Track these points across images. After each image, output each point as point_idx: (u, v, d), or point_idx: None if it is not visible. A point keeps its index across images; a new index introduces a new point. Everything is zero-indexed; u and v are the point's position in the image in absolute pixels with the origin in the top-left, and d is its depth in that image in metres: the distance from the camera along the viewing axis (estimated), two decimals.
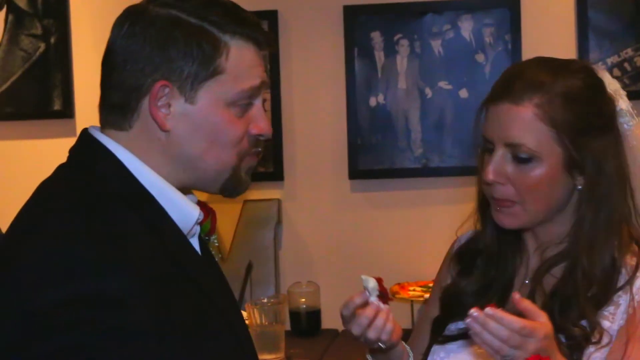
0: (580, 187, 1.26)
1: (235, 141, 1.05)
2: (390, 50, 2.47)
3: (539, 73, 1.26)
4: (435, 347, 1.40)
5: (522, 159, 1.23)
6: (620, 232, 1.27)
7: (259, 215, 2.54)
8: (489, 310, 1.07)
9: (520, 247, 1.39)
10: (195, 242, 1.11)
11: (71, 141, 1.08)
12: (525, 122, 1.22)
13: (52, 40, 2.61)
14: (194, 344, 0.99)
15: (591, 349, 1.20)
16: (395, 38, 2.49)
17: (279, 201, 2.57)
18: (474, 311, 1.09)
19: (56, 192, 1.02)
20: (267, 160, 2.49)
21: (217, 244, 1.35)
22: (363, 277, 1.33)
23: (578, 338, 1.20)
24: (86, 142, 1.04)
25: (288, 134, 2.57)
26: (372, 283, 1.31)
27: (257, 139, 1.08)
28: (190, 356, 0.98)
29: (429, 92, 2.50)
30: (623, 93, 1.30)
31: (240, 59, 1.03)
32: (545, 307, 1.24)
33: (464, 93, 2.49)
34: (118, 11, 0.99)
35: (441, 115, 2.51)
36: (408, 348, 1.42)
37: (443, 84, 2.50)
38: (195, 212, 1.06)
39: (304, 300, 2.32)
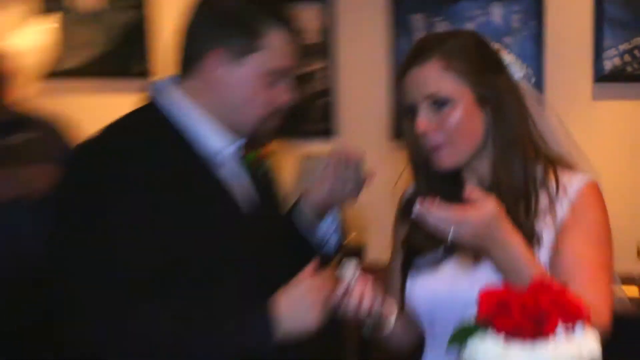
0: (488, 120, 1.47)
1: (259, 103, 1.39)
2: (430, 31, 2.87)
3: (435, 39, 1.49)
4: (409, 279, 1.56)
5: (441, 103, 1.41)
6: (525, 148, 1.46)
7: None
8: (426, 203, 1.25)
9: (458, 190, 1.49)
10: (234, 168, 1.44)
11: None
12: (434, 75, 1.41)
13: (144, 11, 3.20)
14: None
15: (536, 249, 1.38)
16: (434, 20, 2.89)
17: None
18: (418, 205, 1.28)
19: (121, 119, 1.42)
20: (323, 119, 2.98)
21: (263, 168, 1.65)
22: (343, 266, 1.50)
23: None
24: (151, 89, 1.44)
25: (342, 97, 3.04)
26: (349, 266, 1.48)
27: (279, 107, 1.41)
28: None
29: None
30: (505, 52, 1.52)
31: (275, 45, 1.37)
32: None
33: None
34: None
35: None
36: (390, 308, 1.58)
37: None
38: (215, 145, 1.39)
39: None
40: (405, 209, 1.58)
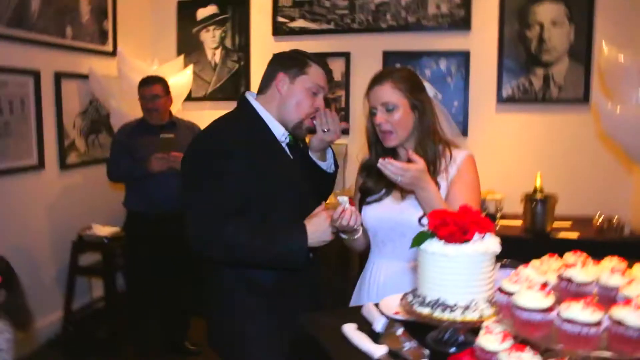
0: (416, 119, 1.90)
1: (305, 106, 1.91)
2: None
3: (388, 70, 1.96)
4: (363, 208, 2.01)
5: (389, 109, 1.86)
6: (434, 135, 1.90)
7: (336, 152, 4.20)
8: (387, 159, 1.71)
9: (393, 158, 1.86)
10: (286, 147, 1.95)
11: None
12: (387, 91, 1.87)
13: (242, 63, 4.79)
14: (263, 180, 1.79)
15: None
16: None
17: (346, 145, 4.26)
18: (381, 160, 1.71)
19: (224, 115, 1.94)
20: None
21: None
22: (339, 197, 1.84)
23: None
24: (243, 99, 1.98)
25: (352, 112, 4.48)
26: (344, 198, 1.83)
27: (315, 110, 1.93)
28: (258, 180, 1.78)
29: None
30: (426, 83, 1.99)
31: (315, 73, 1.92)
32: None
33: (439, 96, 4.21)
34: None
35: None
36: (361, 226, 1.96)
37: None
38: (280, 132, 1.92)
39: None
40: (362, 169, 2.07)
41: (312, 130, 2.03)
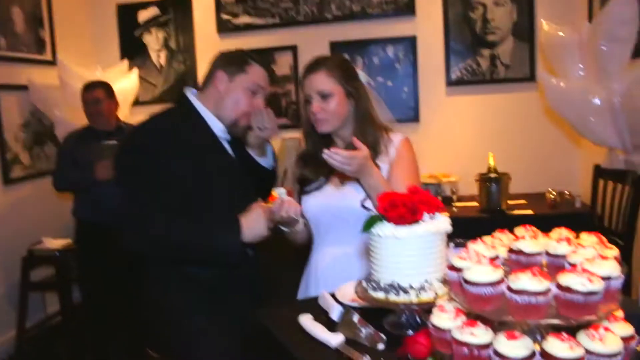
0: (352, 106, 1.94)
1: (242, 105, 1.89)
2: (353, 63, 3.96)
3: (321, 58, 1.94)
4: (303, 198, 2.02)
5: (324, 96, 1.88)
6: (372, 121, 1.94)
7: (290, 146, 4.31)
8: (332, 150, 1.70)
9: (329, 146, 1.84)
10: (225, 143, 1.93)
11: None
12: (322, 79, 1.88)
13: (188, 63, 4.70)
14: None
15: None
16: (356, 57, 4.41)
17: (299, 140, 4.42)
18: (325, 150, 1.71)
19: (161, 112, 1.91)
20: (293, 118, 4.43)
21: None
22: (276, 190, 1.91)
23: None
24: (182, 95, 1.95)
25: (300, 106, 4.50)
26: (281, 190, 1.88)
27: (253, 111, 1.92)
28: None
29: (372, 82, 4.08)
30: (360, 70, 2.01)
31: (255, 70, 1.91)
32: None
33: (389, 83, 4.41)
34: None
35: (378, 94, 4.41)
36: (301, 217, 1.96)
37: (380, 79, 4.42)
38: (219, 128, 1.90)
39: None
40: (299, 159, 2.09)
41: (250, 128, 2.02)
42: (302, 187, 2.03)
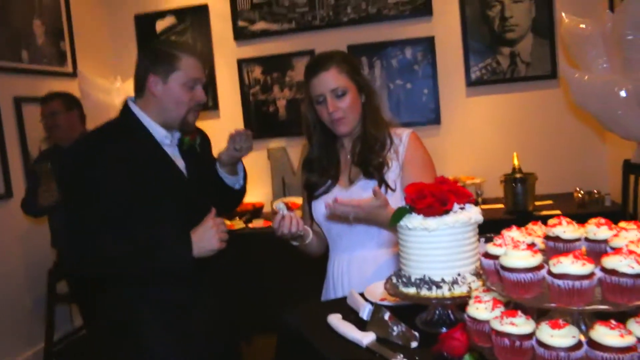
0: (363, 100, 1.89)
1: (184, 102, 1.80)
2: (371, 66, 4.38)
3: (328, 55, 1.88)
4: (312, 204, 1.97)
5: (340, 94, 1.82)
6: (382, 115, 1.92)
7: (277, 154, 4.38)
8: (335, 201, 1.65)
9: (336, 147, 1.95)
10: (172, 150, 1.86)
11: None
12: (334, 76, 1.82)
13: (206, 71, 4.39)
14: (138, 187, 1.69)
15: (388, 172, 1.84)
16: (373, 60, 4.40)
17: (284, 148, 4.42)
18: (327, 204, 1.69)
19: (102, 124, 1.83)
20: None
21: (195, 145, 1.97)
22: (275, 204, 1.83)
23: (377, 165, 1.84)
24: (124, 105, 1.85)
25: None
26: (281, 205, 1.79)
27: (197, 104, 1.84)
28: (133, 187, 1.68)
29: (391, 85, 4.39)
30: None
31: (187, 64, 1.80)
32: (359, 159, 1.88)
33: (408, 85, 4.37)
34: None
35: (398, 97, 4.40)
36: (307, 228, 1.92)
37: (399, 81, 4.38)
38: (161, 134, 1.82)
39: None
40: (304, 165, 2.05)
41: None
42: (310, 192, 1.98)
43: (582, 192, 3.67)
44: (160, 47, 1.87)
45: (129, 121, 1.83)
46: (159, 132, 1.84)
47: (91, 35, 4.71)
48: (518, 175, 3.54)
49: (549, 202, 3.82)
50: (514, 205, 3.56)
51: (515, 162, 3.61)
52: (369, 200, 1.63)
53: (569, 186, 3.92)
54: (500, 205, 3.69)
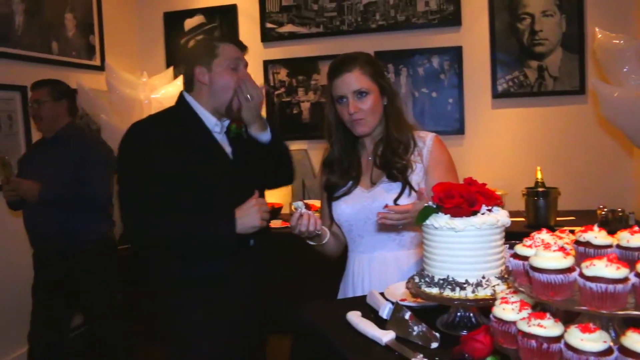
0: (385, 103, 1.89)
1: (230, 86, 1.93)
2: (397, 73, 4.38)
3: (350, 57, 1.88)
4: (333, 205, 1.96)
5: (362, 94, 1.83)
6: (404, 118, 1.92)
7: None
8: (385, 209, 1.64)
9: (357, 149, 1.95)
10: (221, 137, 1.99)
11: None
12: (357, 77, 1.82)
13: None
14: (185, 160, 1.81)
15: (411, 175, 1.84)
16: (400, 67, 4.40)
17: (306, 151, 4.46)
18: (379, 213, 1.67)
19: (156, 113, 2.05)
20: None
21: (242, 133, 2.04)
22: (294, 203, 1.81)
23: (401, 167, 1.84)
24: (180, 96, 2.01)
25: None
26: (299, 203, 1.79)
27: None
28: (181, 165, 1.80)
29: (416, 93, 4.38)
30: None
31: (224, 49, 1.94)
32: (382, 161, 1.87)
33: (434, 94, 4.36)
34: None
35: (422, 106, 4.39)
36: (325, 228, 1.91)
37: (424, 90, 4.39)
38: (212, 122, 1.96)
39: None
40: (325, 165, 2.03)
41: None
42: (330, 193, 1.97)
43: (605, 209, 3.60)
44: (199, 41, 2.04)
45: (182, 109, 1.97)
46: (210, 120, 1.97)
47: (120, 31, 4.77)
48: (540, 189, 3.50)
49: (571, 218, 3.75)
50: (535, 219, 3.51)
51: (539, 175, 3.56)
52: (414, 204, 1.63)
53: (592, 203, 3.85)
54: (522, 219, 3.63)
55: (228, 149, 2.00)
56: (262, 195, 1.94)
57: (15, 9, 3.71)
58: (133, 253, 3.65)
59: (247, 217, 1.84)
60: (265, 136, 2.04)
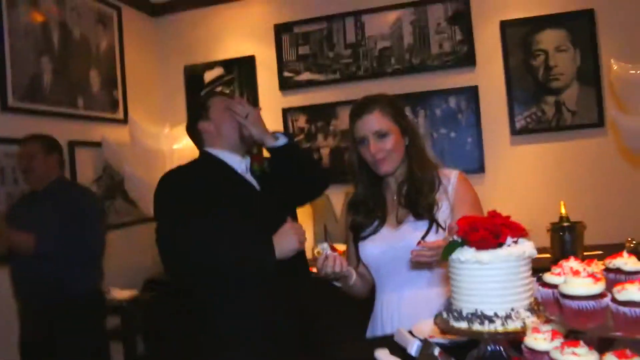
0: (407, 143, 1.91)
1: (231, 124, 2.10)
2: (415, 115, 4.34)
3: (372, 99, 1.92)
4: (359, 245, 1.97)
5: (382, 136, 1.86)
6: (427, 156, 1.94)
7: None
8: (419, 246, 1.64)
9: (381, 189, 1.97)
10: (248, 176, 2.08)
11: None
12: (377, 119, 1.86)
13: None
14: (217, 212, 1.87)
15: (438, 212, 1.84)
16: (417, 109, 4.41)
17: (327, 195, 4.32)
18: (412, 251, 1.65)
19: (184, 164, 2.14)
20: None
21: (264, 169, 2.14)
22: (319, 244, 1.86)
23: (426, 206, 1.85)
24: (200, 150, 2.17)
25: None
26: (324, 245, 1.84)
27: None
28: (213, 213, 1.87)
29: (435, 134, 4.40)
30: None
31: (213, 101, 2.15)
32: (407, 201, 1.90)
33: (452, 134, 4.38)
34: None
35: (442, 146, 4.39)
36: (352, 269, 1.92)
37: (442, 130, 4.40)
38: (237, 161, 2.07)
39: None
40: (350, 206, 2.06)
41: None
42: (356, 233, 1.98)
43: (634, 242, 3.52)
44: (191, 103, 2.26)
45: (207, 158, 2.11)
46: (233, 160, 2.09)
47: (142, 84, 4.90)
48: (565, 224, 3.45)
49: (599, 252, 3.63)
50: (562, 255, 3.40)
51: (563, 210, 3.50)
52: (445, 239, 1.60)
53: (620, 236, 3.74)
54: (547, 255, 3.56)
55: (254, 183, 2.09)
56: (295, 221, 1.98)
57: (44, 68, 3.85)
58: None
59: (285, 241, 1.86)
60: (281, 141, 2.09)
